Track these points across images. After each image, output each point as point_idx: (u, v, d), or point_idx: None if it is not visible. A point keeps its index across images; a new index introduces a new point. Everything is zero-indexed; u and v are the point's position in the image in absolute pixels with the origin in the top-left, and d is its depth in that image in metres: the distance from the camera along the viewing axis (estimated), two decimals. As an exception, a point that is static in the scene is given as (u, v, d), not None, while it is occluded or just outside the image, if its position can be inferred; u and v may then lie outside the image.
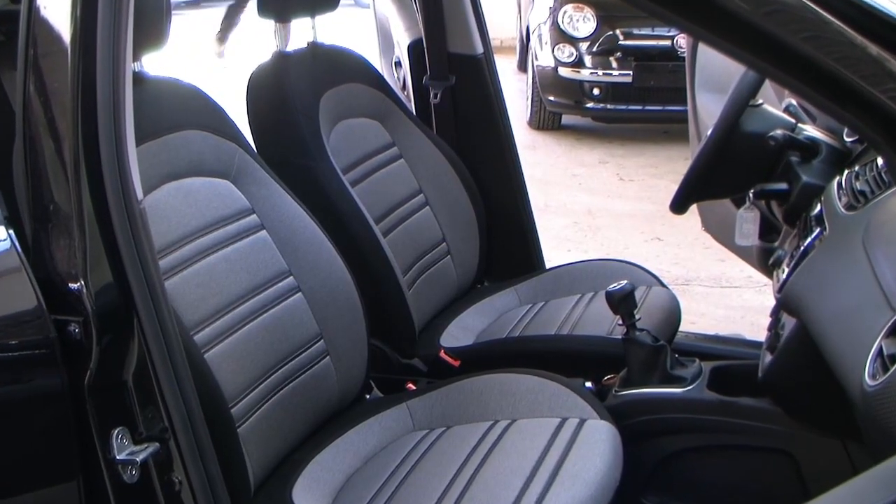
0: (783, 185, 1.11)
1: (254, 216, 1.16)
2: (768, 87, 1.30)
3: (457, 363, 1.41)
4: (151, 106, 1.05)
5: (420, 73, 1.87)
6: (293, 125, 1.41)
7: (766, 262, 1.25)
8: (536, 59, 4.55)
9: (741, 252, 1.66)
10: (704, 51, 1.60)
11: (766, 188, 1.14)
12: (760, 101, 1.19)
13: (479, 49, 1.80)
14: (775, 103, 1.32)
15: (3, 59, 0.97)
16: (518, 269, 1.79)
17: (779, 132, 1.12)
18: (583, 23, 4.25)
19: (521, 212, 1.83)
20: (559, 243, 3.07)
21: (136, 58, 0.99)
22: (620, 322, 1.21)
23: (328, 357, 1.17)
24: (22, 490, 0.74)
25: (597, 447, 1.01)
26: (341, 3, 1.58)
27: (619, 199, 3.59)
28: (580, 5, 4.25)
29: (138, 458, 0.73)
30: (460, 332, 1.55)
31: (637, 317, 1.21)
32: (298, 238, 1.18)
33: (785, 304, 0.95)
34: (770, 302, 1.15)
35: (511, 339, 1.50)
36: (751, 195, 1.16)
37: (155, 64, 1.07)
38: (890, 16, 0.59)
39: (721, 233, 1.80)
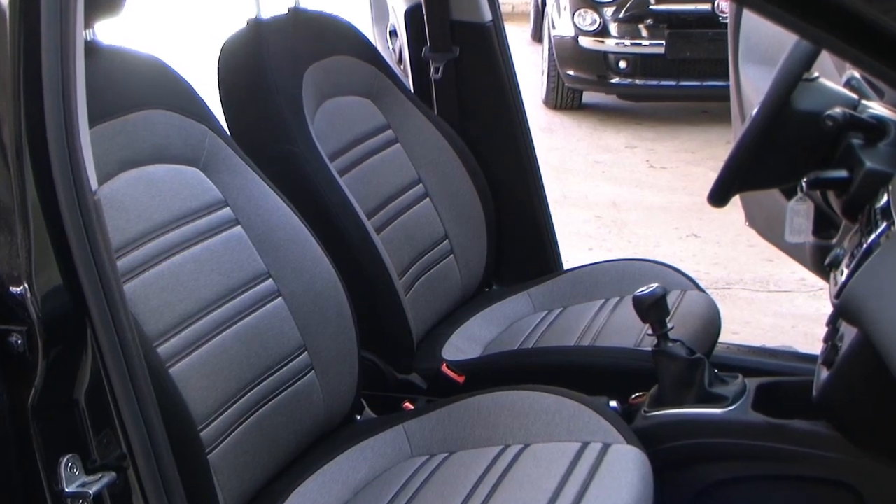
0: (843, 173, 1.10)
1: (227, 209, 1.15)
2: (826, 57, 1.29)
3: (461, 379, 1.41)
4: (107, 81, 1.04)
5: (419, 43, 1.86)
6: (272, 105, 1.40)
7: (821, 262, 1.24)
8: (553, 27, 4.54)
9: (792, 251, 1.65)
10: (750, 16, 1.59)
11: (823, 176, 1.13)
12: (816, 75, 1.18)
13: (487, 16, 1.80)
14: (834, 76, 1.30)
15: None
16: (531, 271, 1.79)
17: (838, 110, 1.10)
18: (607, -16, 4.23)
19: (535, 204, 1.82)
20: (579, 241, 3.06)
21: (88, 25, 0.99)
22: (650, 331, 1.21)
23: (313, 372, 1.16)
24: (-45, 528, 0.74)
25: (623, 476, 1.01)
26: (327, -39, 1.58)
27: (649, 190, 3.58)
28: (604, -36, 4.23)
29: (91, 491, 0.72)
30: (465, 343, 1.54)
31: (670, 325, 1.20)
32: (278, 235, 1.18)
33: (844, 311, 0.93)
34: (826, 309, 1.14)
35: (524, 350, 1.49)
36: (804, 184, 1.15)
37: (111, 32, 1.07)
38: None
39: (768, 228, 1.79)
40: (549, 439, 1.10)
